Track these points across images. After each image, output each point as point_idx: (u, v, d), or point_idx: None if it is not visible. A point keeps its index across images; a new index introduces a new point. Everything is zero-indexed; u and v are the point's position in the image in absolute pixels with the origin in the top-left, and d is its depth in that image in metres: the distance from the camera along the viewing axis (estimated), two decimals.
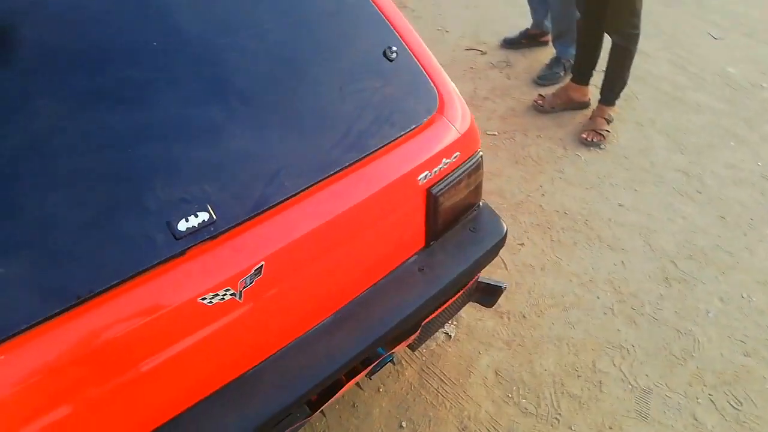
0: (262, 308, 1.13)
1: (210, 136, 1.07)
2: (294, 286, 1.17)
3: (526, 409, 1.82)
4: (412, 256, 1.45)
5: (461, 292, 1.61)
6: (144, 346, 0.99)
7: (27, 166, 0.92)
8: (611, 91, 2.85)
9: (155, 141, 1.03)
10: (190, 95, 1.07)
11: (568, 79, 3.08)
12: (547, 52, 3.44)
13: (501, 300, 1.84)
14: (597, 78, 2.96)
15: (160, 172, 1.01)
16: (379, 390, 1.88)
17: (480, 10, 4.03)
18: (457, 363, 1.95)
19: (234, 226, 1.05)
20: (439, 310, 1.62)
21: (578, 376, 1.91)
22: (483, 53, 3.57)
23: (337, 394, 1.42)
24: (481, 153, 1.47)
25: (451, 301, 1.59)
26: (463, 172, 1.42)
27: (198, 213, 1.02)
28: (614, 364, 1.94)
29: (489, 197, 2.48)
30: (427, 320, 1.59)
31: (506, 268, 2.27)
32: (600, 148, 2.83)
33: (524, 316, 2.09)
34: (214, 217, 1.03)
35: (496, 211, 1.60)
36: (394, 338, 1.46)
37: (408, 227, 1.38)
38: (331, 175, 1.17)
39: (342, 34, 1.31)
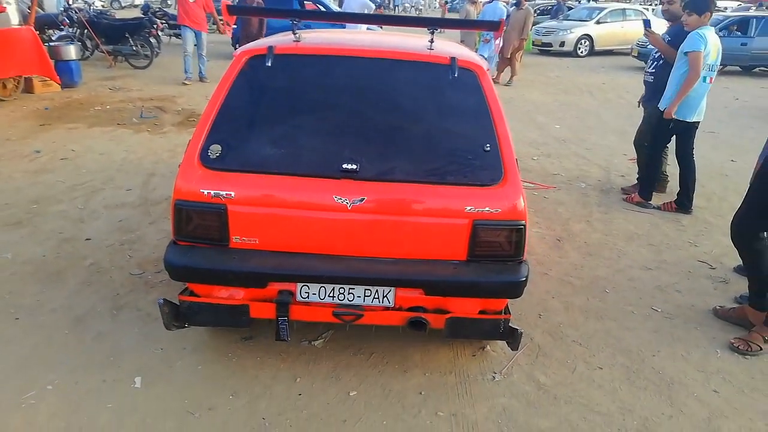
0: (356, 220, 2.38)
1: (374, 140, 2.45)
2: (374, 221, 2.39)
3: None
4: (453, 259, 2.45)
5: (485, 316, 2.48)
6: (305, 205, 2.36)
7: (322, 121, 2.47)
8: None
9: (359, 133, 2.46)
10: (374, 119, 2.48)
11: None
12: None
13: None
14: None
15: (350, 144, 2.42)
16: (425, 374, 2.75)
17: None
18: None
19: (364, 178, 2.37)
20: (469, 314, 2.50)
21: None
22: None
23: (378, 319, 2.49)
24: (524, 223, 2.41)
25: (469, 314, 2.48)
26: (503, 225, 2.39)
27: (352, 165, 2.37)
28: None
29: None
30: (453, 316, 2.49)
31: (572, 372, 2.81)
32: (744, 357, 2.99)
33: None
34: (357, 169, 2.37)
35: None
36: (433, 306, 2.47)
37: (455, 236, 2.41)
38: (420, 181, 2.38)
39: (461, 121, 2.53)
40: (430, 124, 2.55)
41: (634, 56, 14.48)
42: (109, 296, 3.33)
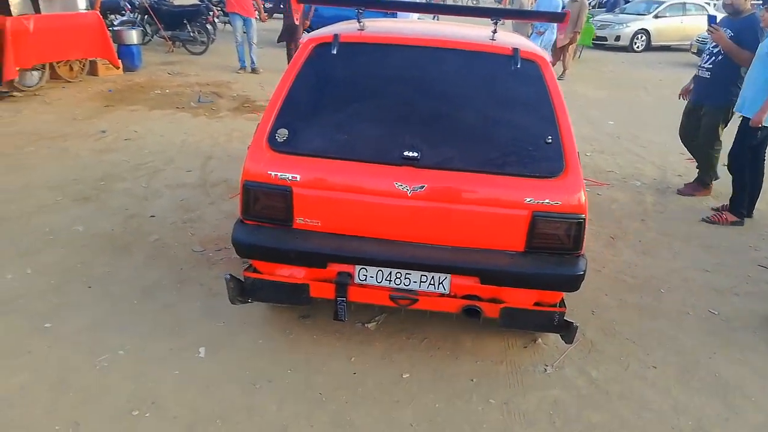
0: (415, 207, 2.44)
1: (435, 128, 2.49)
2: (433, 209, 2.44)
3: None
4: (510, 249, 2.48)
5: (541, 308, 2.50)
6: (366, 190, 2.43)
7: (386, 107, 2.54)
8: None
9: (421, 121, 2.51)
10: (435, 108, 2.53)
11: None
12: None
13: None
14: None
15: (412, 132, 2.48)
16: (476, 362, 2.80)
17: None
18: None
19: (424, 165, 2.42)
20: (524, 305, 2.53)
21: None
22: None
23: (432, 305, 2.55)
24: (584, 217, 2.42)
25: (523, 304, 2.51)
26: (563, 218, 2.41)
27: (413, 152, 2.42)
28: None
29: None
30: (508, 306, 2.53)
31: (625, 369, 2.81)
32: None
33: None
34: (418, 157, 2.42)
35: None
36: (489, 295, 2.51)
37: (514, 227, 2.44)
38: (480, 171, 2.42)
39: (522, 112, 2.55)
40: (491, 115, 2.57)
41: (693, 53, 13.97)
42: (173, 271, 3.49)
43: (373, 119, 2.57)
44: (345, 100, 2.62)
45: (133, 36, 9.31)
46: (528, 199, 2.40)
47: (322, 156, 2.50)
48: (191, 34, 11.13)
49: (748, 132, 4.42)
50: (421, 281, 2.55)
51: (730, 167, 4.71)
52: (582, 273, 2.45)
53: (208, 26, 11.31)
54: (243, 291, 2.68)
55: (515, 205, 2.42)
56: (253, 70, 9.87)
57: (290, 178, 2.47)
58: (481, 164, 2.46)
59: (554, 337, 3.00)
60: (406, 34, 2.80)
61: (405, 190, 2.42)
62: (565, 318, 2.56)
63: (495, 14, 2.70)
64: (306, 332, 2.97)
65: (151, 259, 3.62)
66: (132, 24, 10.51)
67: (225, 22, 13.74)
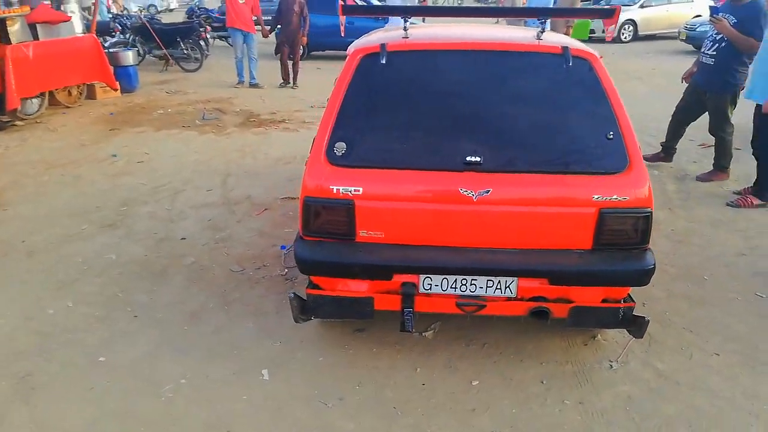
0: (481, 212, 2.42)
1: (495, 131, 2.48)
2: (499, 213, 2.42)
3: None
4: (578, 248, 2.47)
5: (610, 304, 2.49)
6: (430, 199, 2.41)
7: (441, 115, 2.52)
8: None
9: (479, 125, 2.50)
10: (492, 111, 2.51)
11: None
12: None
13: None
14: None
15: (471, 136, 2.46)
16: (542, 363, 2.78)
17: None
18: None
19: (488, 169, 2.40)
20: (593, 303, 2.52)
21: None
22: None
23: (500, 309, 2.54)
24: (650, 211, 2.41)
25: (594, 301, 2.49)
26: (630, 213, 2.40)
27: (475, 157, 2.41)
28: None
29: None
30: (578, 305, 2.51)
31: (689, 359, 2.80)
32: None
33: None
34: (481, 161, 2.40)
35: None
36: (555, 296, 2.49)
37: (581, 225, 2.43)
38: (544, 171, 2.41)
39: (580, 109, 2.54)
40: (549, 114, 2.56)
41: (682, 40, 14.12)
42: (217, 292, 3.44)
43: (431, 126, 2.55)
44: (399, 109, 2.60)
45: (129, 57, 9.23)
46: (596, 197, 2.39)
47: (382, 167, 2.48)
48: (185, 52, 11.06)
49: (764, 119, 4.46)
50: (487, 286, 2.53)
51: (756, 152, 4.75)
52: (652, 267, 2.45)
53: (201, 42, 11.24)
54: (305, 309, 2.64)
55: (583, 203, 2.41)
56: (254, 85, 9.80)
57: (352, 191, 2.44)
58: (544, 164, 2.45)
59: (613, 332, 3.00)
60: (453, 39, 2.79)
61: (470, 195, 2.40)
62: (634, 312, 2.55)
63: (543, 14, 2.70)
64: (364, 346, 2.93)
65: (191, 283, 3.56)
66: (125, 45, 10.42)
67: (214, 37, 13.69)
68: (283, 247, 4.01)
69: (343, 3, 3.07)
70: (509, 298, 2.55)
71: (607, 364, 2.80)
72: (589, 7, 13.28)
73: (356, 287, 2.60)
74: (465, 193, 2.41)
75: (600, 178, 2.42)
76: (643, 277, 2.46)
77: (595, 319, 2.60)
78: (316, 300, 2.62)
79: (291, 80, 9.84)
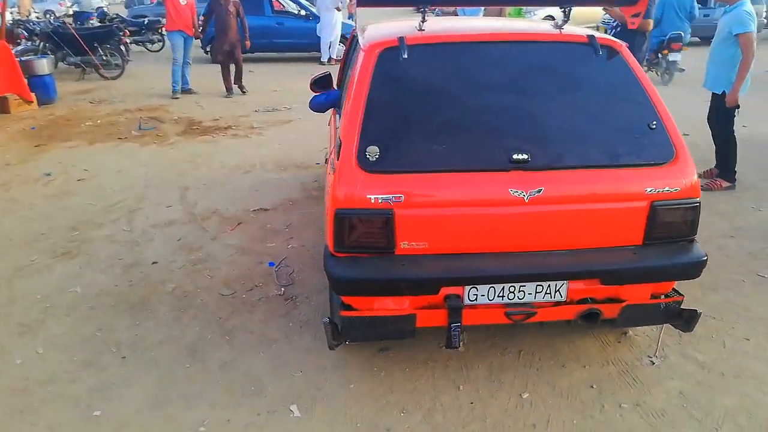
0: (533, 213, 2.25)
1: (536, 126, 2.32)
2: (551, 213, 2.26)
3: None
4: (629, 244, 2.35)
5: (660, 300, 2.39)
6: (478, 202, 2.21)
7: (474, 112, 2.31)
8: None
9: (519, 120, 2.33)
10: (529, 105, 2.35)
11: None
12: None
13: None
14: None
15: (513, 133, 2.28)
16: (584, 366, 2.66)
17: None
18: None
19: (536, 167, 2.23)
20: (647, 301, 2.41)
21: None
22: None
23: (550, 315, 2.39)
24: (698, 201, 2.33)
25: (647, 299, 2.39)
26: (680, 204, 2.30)
27: (522, 154, 2.23)
28: None
29: None
30: (630, 303, 2.39)
31: (723, 346, 2.78)
32: None
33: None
34: (529, 159, 2.23)
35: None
36: (603, 296, 2.36)
37: (632, 219, 2.31)
38: (594, 166, 2.27)
39: (618, 100, 2.43)
40: (587, 106, 2.43)
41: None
42: (211, 321, 3.08)
43: (468, 124, 2.35)
44: (430, 107, 2.38)
45: (44, 65, 8.37)
46: (649, 189, 2.28)
47: (422, 171, 2.25)
48: (104, 58, 10.21)
49: (723, 107, 4.64)
50: (536, 292, 2.36)
51: (714, 137, 4.93)
52: (705, 258, 2.37)
53: (122, 48, 10.43)
54: (339, 332, 2.37)
55: (635, 197, 2.29)
56: (187, 91, 9.12)
57: (392, 199, 2.20)
58: (592, 159, 2.31)
59: (643, 327, 2.92)
60: (474, 30, 2.60)
61: (521, 196, 2.22)
62: (683, 306, 2.48)
63: (565, 3, 2.56)
64: (395, 367, 2.69)
65: (179, 312, 3.17)
66: (35, 53, 9.48)
67: (132, 42, 12.78)
68: (271, 264, 3.68)
69: None
70: (557, 303, 2.40)
71: (647, 361, 2.72)
72: None
73: (396, 305, 2.36)
74: (515, 194, 2.22)
75: (650, 170, 2.32)
76: (696, 269, 2.38)
77: (645, 316, 2.50)
78: (352, 322, 2.35)
79: (238, 88, 9.20)
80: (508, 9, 11.37)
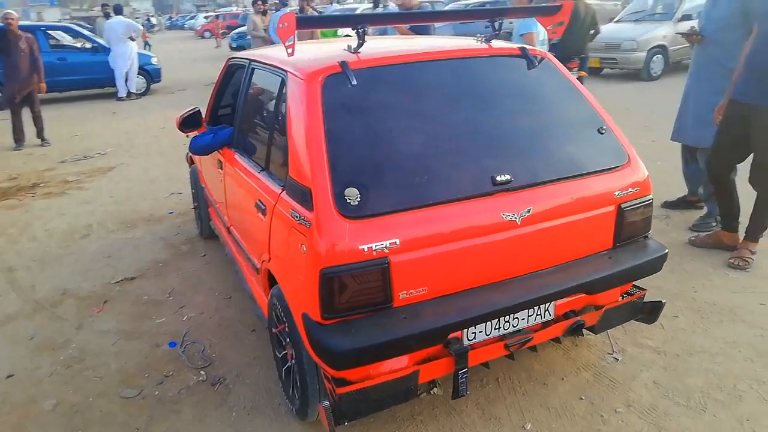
0: (525, 235, 2.12)
1: (504, 144, 2.20)
2: (539, 231, 2.15)
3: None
4: (602, 250, 2.34)
5: (630, 298, 2.42)
6: (474, 232, 2.01)
7: (437, 137, 2.10)
8: (755, 232, 3.59)
9: (486, 139, 2.18)
10: (490, 122, 2.25)
11: (718, 228, 3.86)
12: (703, 211, 4.26)
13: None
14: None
15: (486, 153, 2.13)
16: (562, 379, 2.61)
17: None
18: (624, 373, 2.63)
19: (518, 186, 2.10)
20: (619, 301, 2.42)
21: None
22: None
23: (542, 336, 2.27)
24: (651, 197, 2.41)
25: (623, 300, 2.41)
26: (640, 203, 2.36)
27: (504, 175, 2.09)
28: None
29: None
30: (609, 307, 2.39)
31: (663, 328, 2.95)
32: (745, 271, 3.49)
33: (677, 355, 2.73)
34: (511, 179, 2.09)
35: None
36: (582, 305, 2.32)
37: (604, 225, 2.31)
38: (569, 177, 2.21)
39: (564, 108, 2.44)
40: (543, 117, 2.38)
41: None
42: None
43: (442, 148, 2.14)
44: (398, 135, 2.11)
45: None
46: (617, 193, 2.30)
47: (410, 208, 1.97)
48: None
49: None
50: (528, 316, 2.24)
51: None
52: (666, 251, 2.47)
53: None
54: (340, 414, 1.97)
55: (607, 202, 2.29)
56: None
57: (387, 246, 1.89)
58: (564, 170, 2.24)
59: None
60: (412, 49, 2.40)
61: (513, 219, 2.07)
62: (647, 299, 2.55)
63: (494, 14, 2.49)
64: (380, 421, 2.36)
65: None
66: None
67: None
68: (173, 344, 3.05)
69: (297, 14, 2.43)
70: (546, 323, 2.31)
71: (611, 359, 2.77)
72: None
73: (395, 365, 2.04)
74: (508, 217, 2.07)
75: (612, 174, 2.33)
76: (660, 262, 2.46)
77: (620, 316, 2.52)
78: (351, 398, 1.97)
79: (41, 141, 7.72)
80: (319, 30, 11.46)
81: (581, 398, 2.50)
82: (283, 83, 2.39)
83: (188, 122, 3.64)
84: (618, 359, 2.76)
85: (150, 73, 12.14)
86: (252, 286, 2.88)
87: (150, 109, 10.57)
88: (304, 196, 1.96)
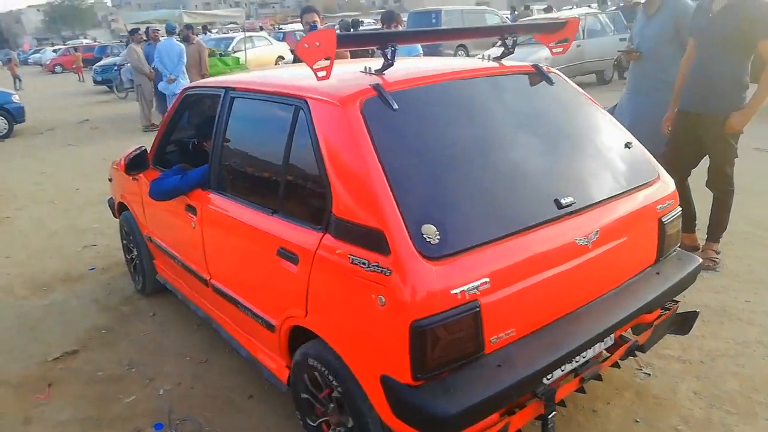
0: (595, 259, 1.97)
1: (556, 163, 2.08)
2: (606, 253, 2.02)
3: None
4: (648, 266, 2.26)
5: (669, 312, 2.36)
6: (554, 260, 1.83)
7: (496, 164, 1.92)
8: (715, 233, 3.76)
9: (539, 161, 2.03)
10: (537, 143, 2.11)
11: None
12: None
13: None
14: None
15: (544, 175, 1.98)
16: (608, 403, 2.49)
17: None
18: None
19: (580, 208, 1.96)
20: (663, 316, 2.35)
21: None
22: None
23: (607, 364, 2.16)
24: (681, 209, 2.38)
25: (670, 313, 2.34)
26: (676, 215, 2.32)
27: (567, 198, 1.94)
28: None
29: None
30: (657, 323, 2.31)
31: (675, 337, 2.95)
32: (716, 271, 3.64)
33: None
34: (574, 201, 1.94)
35: None
36: (638, 325, 2.22)
37: (649, 240, 2.24)
38: (619, 194, 2.11)
39: (592, 124, 2.36)
40: (581, 135, 2.28)
41: None
42: None
43: (501, 173, 1.95)
44: (457, 162, 1.88)
45: None
46: (659, 206, 2.24)
47: (490, 241, 1.74)
48: None
49: None
50: (594, 346, 2.09)
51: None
52: (701, 260, 2.44)
53: None
54: None
55: (651, 216, 2.22)
56: None
57: (478, 287, 1.64)
58: (614, 187, 2.14)
59: None
60: (438, 70, 2.21)
61: (585, 243, 1.92)
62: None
63: (506, 30, 2.37)
64: None
65: None
66: None
67: None
68: (158, 426, 2.54)
69: (338, 31, 2.11)
70: (608, 349, 2.18)
71: (642, 374, 2.70)
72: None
73: (486, 423, 1.78)
74: (581, 242, 1.91)
75: (649, 188, 2.27)
76: (697, 273, 2.43)
77: (662, 332, 2.44)
78: None
79: None
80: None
81: (636, 421, 2.39)
82: (298, 111, 2.08)
83: (134, 163, 3.14)
84: (649, 374, 2.69)
85: (12, 113, 10.88)
86: (253, 347, 2.48)
87: (20, 153, 9.39)
88: (371, 238, 1.67)
